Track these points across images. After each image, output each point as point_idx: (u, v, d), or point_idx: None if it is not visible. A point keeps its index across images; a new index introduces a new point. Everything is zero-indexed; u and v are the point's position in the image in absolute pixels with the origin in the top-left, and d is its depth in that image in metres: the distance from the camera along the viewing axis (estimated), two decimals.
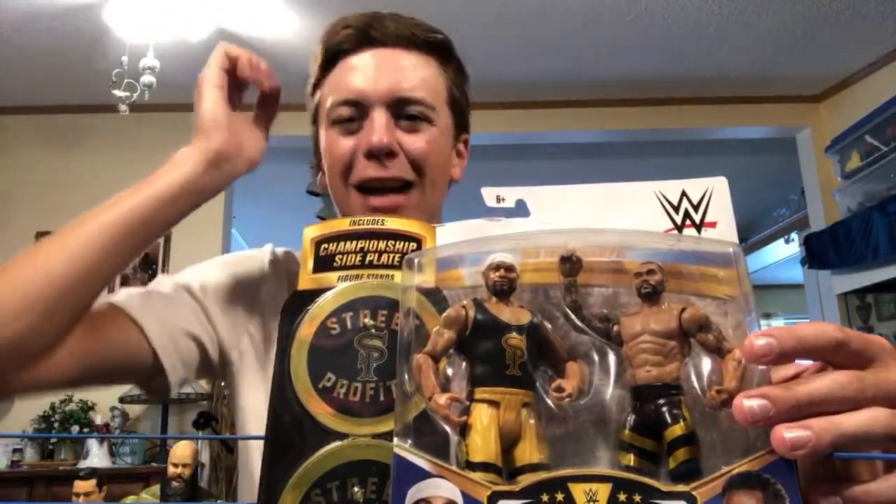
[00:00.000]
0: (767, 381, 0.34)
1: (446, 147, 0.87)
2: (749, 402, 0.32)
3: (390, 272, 0.40)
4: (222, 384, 0.79)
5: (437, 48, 0.86)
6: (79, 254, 0.65)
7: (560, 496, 0.31)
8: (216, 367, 0.82)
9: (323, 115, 0.85)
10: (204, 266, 0.85)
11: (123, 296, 0.75)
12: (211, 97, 0.76)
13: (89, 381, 0.73)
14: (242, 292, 0.83)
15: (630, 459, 0.33)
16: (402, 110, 0.81)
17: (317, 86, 0.88)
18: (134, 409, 3.56)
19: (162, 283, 0.80)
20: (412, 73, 0.82)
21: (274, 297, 0.83)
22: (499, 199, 0.42)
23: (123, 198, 0.74)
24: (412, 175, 0.80)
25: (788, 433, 0.32)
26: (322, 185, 0.89)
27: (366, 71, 0.81)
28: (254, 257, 0.87)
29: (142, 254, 0.75)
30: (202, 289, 0.80)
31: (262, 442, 0.36)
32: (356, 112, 0.81)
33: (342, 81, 0.83)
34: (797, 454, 0.31)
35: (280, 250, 0.90)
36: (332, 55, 0.85)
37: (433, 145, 0.82)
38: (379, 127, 0.78)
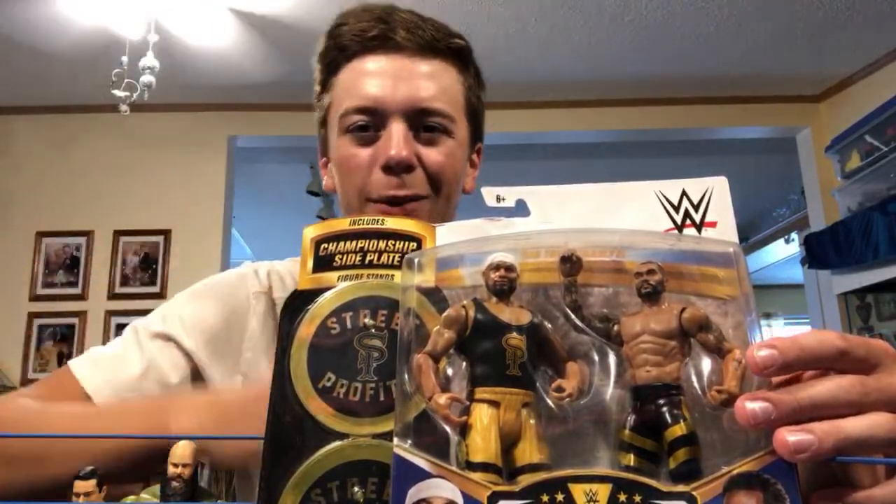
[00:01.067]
0: (768, 383, 0.34)
1: (463, 159, 0.83)
2: (751, 405, 0.32)
3: (390, 272, 0.40)
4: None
5: (457, 54, 0.82)
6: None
7: (560, 496, 0.31)
8: None
9: (334, 120, 0.80)
10: (190, 309, 0.79)
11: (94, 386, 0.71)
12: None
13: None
14: (228, 336, 0.78)
15: (630, 459, 0.33)
16: (422, 121, 0.77)
17: (325, 86, 0.83)
18: None
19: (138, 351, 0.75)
20: (432, 81, 0.78)
21: (262, 334, 0.79)
22: (499, 199, 0.42)
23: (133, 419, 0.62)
24: (427, 190, 0.77)
25: (791, 436, 0.31)
26: (328, 187, 0.86)
27: (383, 77, 0.77)
28: (236, 290, 0.81)
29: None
30: (190, 337, 0.76)
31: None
32: (372, 121, 0.77)
33: (356, 86, 0.78)
34: (799, 458, 0.31)
35: (262, 272, 0.84)
36: (345, 54, 0.80)
37: (451, 159, 0.79)
38: (398, 140, 0.75)
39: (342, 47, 0.80)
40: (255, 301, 0.80)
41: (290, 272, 0.86)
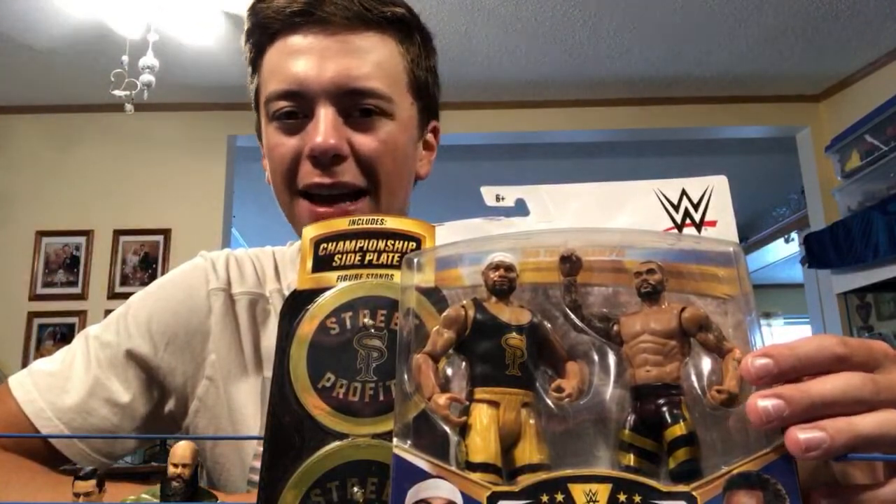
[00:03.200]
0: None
1: (408, 144, 0.74)
2: (763, 403, 0.31)
3: (390, 272, 0.40)
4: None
5: (395, 23, 0.73)
6: None
7: (560, 497, 0.31)
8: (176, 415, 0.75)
9: (262, 106, 0.74)
10: (145, 315, 0.74)
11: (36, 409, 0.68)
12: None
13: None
14: (188, 338, 0.74)
15: (630, 459, 0.33)
16: (353, 104, 0.69)
17: (254, 68, 0.76)
18: None
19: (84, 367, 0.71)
20: (364, 57, 0.69)
21: (222, 335, 0.75)
22: (498, 199, 0.42)
23: None
24: (363, 181, 0.70)
25: (803, 434, 0.31)
26: (268, 181, 0.79)
27: (308, 56, 0.68)
28: (193, 289, 0.76)
29: None
30: (152, 348, 0.72)
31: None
32: (297, 106, 0.69)
33: (280, 68, 0.70)
34: (811, 455, 0.31)
35: (220, 263, 0.78)
36: (268, 33, 0.72)
37: (389, 145, 0.70)
38: (325, 127, 0.67)
39: (264, 25, 0.72)
40: (214, 299, 0.75)
41: (250, 258, 0.81)
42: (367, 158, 0.69)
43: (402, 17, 0.73)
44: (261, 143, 0.80)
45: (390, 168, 0.71)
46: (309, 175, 0.69)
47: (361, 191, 0.70)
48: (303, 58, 0.69)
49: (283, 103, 0.70)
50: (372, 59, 0.70)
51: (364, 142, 0.69)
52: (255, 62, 0.76)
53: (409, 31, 0.75)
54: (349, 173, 0.69)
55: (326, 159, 0.68)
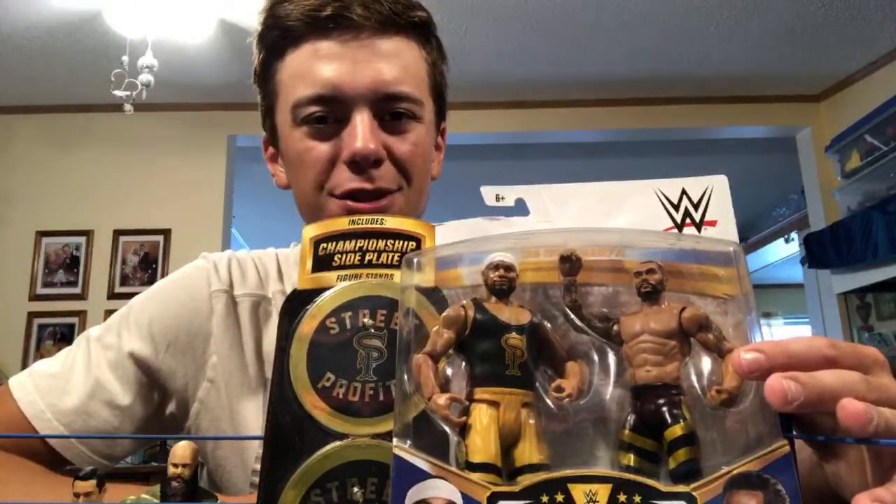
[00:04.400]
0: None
1: (431, 145, 0.76)
2: (747, 355, 0.32)
3: (389, 272, 0.40)
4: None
5: (419, 28, 0.74)
6: None
7: (560, 497, 0.31)
8: (178, 418, 0.75)
9: (284, 110, 0.73)
10: (148, 318, 0.74)
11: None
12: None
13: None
14: (190, 340, 0.74)
15: (630, 459, 0.33)
16: (387, 108, 0.69)
17: (268, 72, 0.75)
18: None
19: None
20: (394, 61, 0.70)
21: (224, 336, 0.75)
22: (498, 198, 0.42)
23: None
24: (397, 183, 0.70)
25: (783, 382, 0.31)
26: (280, 183, 0.79)
27: (340, 60, 0.68)
28: (195, 290, 0.76)
29: None
30: (154, 352, 0.72)
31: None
32: (331, 111, 0.69)
33: (310, 72, 0.69)
34: (790, 407, 0.31)
35: (222, 265, 0.78)
36: (292, 34, 0.71)
37: (420, 147, 0.72)
38: (364, 132, 0.67)
39: (288, 28, 0.71)
40: (216, 301, 0.75)
41: (252, 259, 0.81)
42: (402, 161, 0.70)
43: (426, 22, 0.74)
44: (272, 147, 0.79)
45: (422, 168, 0.73)
46: (348, 181, 0.69)
47: (394, 191, 0.71)
48: (335, 62, 0.68)
49: (315, 108, 0.69)
50: (401, 63, 0.70)
51: (399, 145, 0.70)
52: (271, 66, 0.74)
53: (429, 34, 0.76)
54: (387, 177, 0.69)
55: (368, 164, 0.68)
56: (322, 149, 0.70)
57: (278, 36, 0.72)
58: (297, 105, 0.70)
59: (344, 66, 0.68)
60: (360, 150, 0.67)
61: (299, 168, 0.72)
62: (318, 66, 0.69)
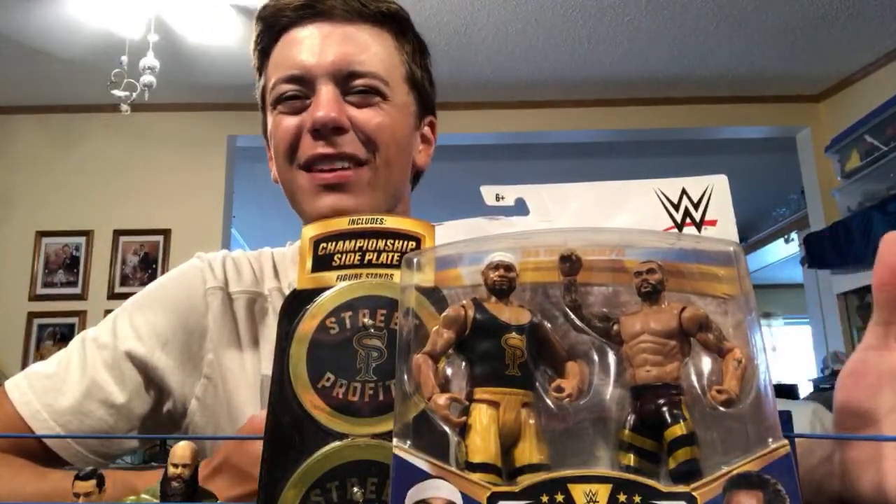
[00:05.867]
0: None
1: (405, 126, 0.78)
2: None
3: (389, 271, 0.40)
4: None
5: (391, 20, 0.78)
6: None
7: (560, 497, 0.30)
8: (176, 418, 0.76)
9: (268, 99, 0.77)
10: (145, 320, 0.74)
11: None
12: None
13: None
14: (186, 338, 0.75)
15: (630, 459, 0.33)
16: (352, 84, 0.73)
17: (261, 70, 0.80)
18: None
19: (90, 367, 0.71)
20: (363, 46, 0.74)
21: (220, 333, 0.75)
22: (498, 198, 0.42)
23: None
24: (364, 152, 0.72)
25: None
26: (274, 179, 0.81)
27: (310, 44, 0.73)
28: (190, 288, 0.77)
29: None
30: (150, 353, 0.72)
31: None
32: (301, 89, 0.73)
33: (285, 57, 0.74)
34: None
35: (217, 264, 0.80)
36: (274, 32, 0.76)
37: (387, 122, 0.74)
38: (326, 101, 0.70)
39: (271, 25, 0.76)
40: (212, 298, 0.76)
41: (248, 258, 0.82)
42: (366, 132, 0.73)
43: (396, 14, 0.78)
44: (268, 145, 0.81)
45: (389, 142, 0.74)
46: (310, 147, 0.72)
47: (361, 161, 0.73)
48: (306, 45, 0.73)
49: (286, 87, 0.73)
50: (367, 46, 0.74)
51: (363, 116, 0.73)
52: (263, 63, 0.79)
53: (404, 29, 0.79)
54: (350, 145, 0.72)
55: (327, 131, 0.71)
56: (291, 121, 0.73)
57: (265, 34, 0.77)
58: (273, 87, 0.74)
59: (313, 48, 0.73)
60: (320, 117, 0.70)
61: (275, 144, 0.75)
62: (292, 51, 0.74)
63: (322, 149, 0.71)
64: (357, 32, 0.74)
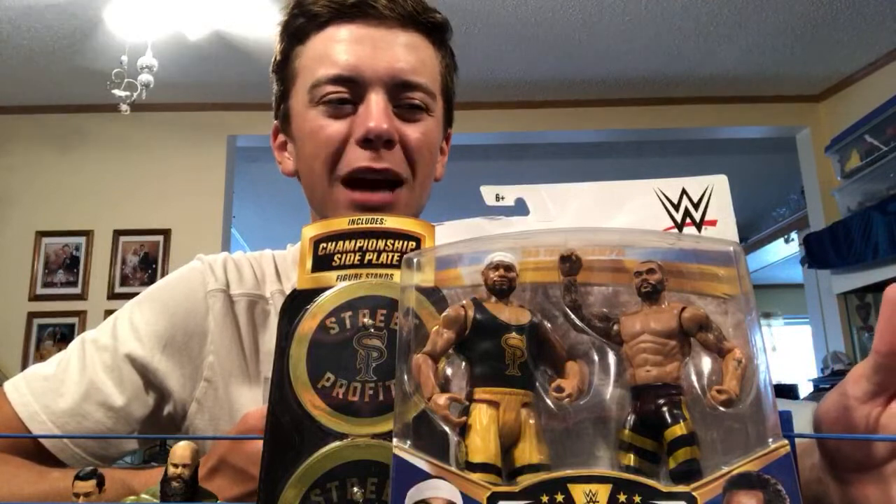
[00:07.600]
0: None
1: (438, 141, 0.77)
2: None
3: (389, 271, 0.40)
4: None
5: (437, 30, 0.76)
6: None
7: (560, 497, 0.30)
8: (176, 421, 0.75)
9: (301, 92, 0.73)
10: (145, 322, 0.74)
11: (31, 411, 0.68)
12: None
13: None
14: (186, 340, 0.74)
15: (630, 459, 0.33)
16: (402, 96, 0.71)
17: (288, 56, 0.76)
18: None
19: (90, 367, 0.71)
20: (413, 54, 0.72)
21: (221, 335, 0.75)
22: (498, 198, 0.42)
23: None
24: (405, 171, 0.71)
25: None
26: (287, 170, 0.79)
27: (360, 45, 0.70)
28: (191, 290, 0.76)
29: None
30: (148, 355, 0.72)
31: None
32: (349, 93, 0.70)
33: (330, 54, 0.71)
34: None
35: (218, 266, 0.79)
36: (316, 20, 0.73)
37: (428, 140, 0.73)
38: (378, 111, 0.68)
39: (312, 14, 0.73)
40: (213, 300, 0.75)
41: (248, 261, 0.81)
42: (412, 150, 0.71)
43: (442, 25, 0.77)
44: (282, 134, 0.79)
45: (428, 161, 0.73)
46: (358, 159, 0.69)
47: (400, 181, 0.71)
48: (357, 46, 0.70)
49: (334, 88, 0.70)
50: (419, 56, 0.72)
51: (411, 133, 0.71)
52: (291, 50, 0.76)
53: (444, 40, 0.78)
54: (395, 160, 0.70)
55: (380, 143, 0.69)
56: (336, 127, 0.70)
57: (303, 22, 0.74)
58: (316, 85, 0.71)
59: (364, 50, 0.70)
60: (373, 128, 0.68)
61: (312, 147, 0.72)
62: (339, 48, 0.71)
63: (370, 161, 0.69)
64: (407, 38, 0.72)
